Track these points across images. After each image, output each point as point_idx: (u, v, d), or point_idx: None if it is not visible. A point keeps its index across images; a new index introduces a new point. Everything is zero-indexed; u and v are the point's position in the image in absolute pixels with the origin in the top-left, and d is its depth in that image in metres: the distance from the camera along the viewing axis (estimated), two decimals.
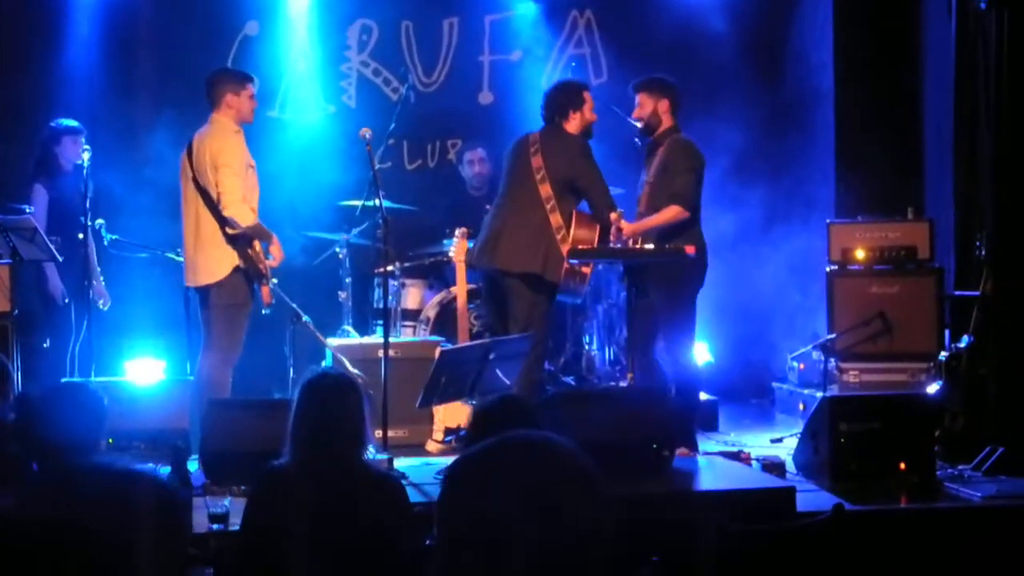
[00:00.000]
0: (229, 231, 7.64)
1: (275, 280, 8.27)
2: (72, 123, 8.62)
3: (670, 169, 7.63)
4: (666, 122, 7.82)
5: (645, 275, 7.60)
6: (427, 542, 1.96)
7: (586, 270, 7.78)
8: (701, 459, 7.02)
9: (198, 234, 7.73)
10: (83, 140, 8.42)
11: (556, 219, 7.75)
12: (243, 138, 7.84)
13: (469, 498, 1.99)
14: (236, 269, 7.68)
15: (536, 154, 7.86)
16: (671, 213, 7.55)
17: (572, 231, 7.75)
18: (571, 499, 1.97)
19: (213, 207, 7.65)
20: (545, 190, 7.78)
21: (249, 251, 7.70)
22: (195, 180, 7.71)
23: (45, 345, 8.56)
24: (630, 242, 7.59)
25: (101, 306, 8.66)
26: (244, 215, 7.61)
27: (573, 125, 7.92)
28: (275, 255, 7.86)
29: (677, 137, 7.78)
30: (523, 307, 7.80)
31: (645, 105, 7.83)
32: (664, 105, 7.80)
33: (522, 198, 7.87)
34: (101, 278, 8.77)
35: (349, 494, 4.09)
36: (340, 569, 3.93)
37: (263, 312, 7.87)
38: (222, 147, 7.68)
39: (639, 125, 7.86)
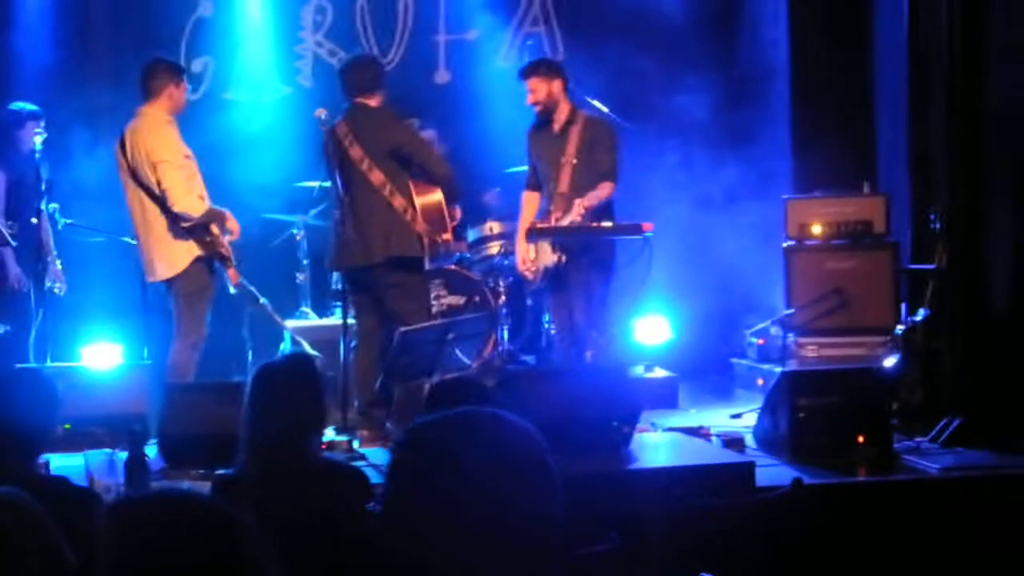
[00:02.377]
0: (183, 224, 7.56)
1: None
2: (34, 108, 8.53)
3: (597, 148, 7.72)
4: (564, 101, 7.90)
5: (581, 251, 7.64)
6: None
7: (446, 237, 7.62)
8: (661, 435, 7.04)
9: (149, 229, 7.63)
10: (42, 126, 8.35)
11: (399, 201, 7.49)
12: (176, 127, 7.73)
13: (419, 470, 1.99)
14: (197, 259, 7.60)
15: (352, 144, 7.54)
16: (608, 189, 7.70)
17: (418, 205, 7.54)
18: (518, 476, 1.97)
19: (160, 202, 7.53)
20: (376, 177, 7.48)
21: (207, 238, 7.60)
22: (133, 176, 7.60)
23: (1, 331, 8.49)
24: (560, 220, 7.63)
25: (57, 291, 8.59)
26: (194, 206, 7.51)
27: (375, 102, 7.73)
28: (232, 229, 7.74)
29: (590, 116, 7.91)
30: (398, 295, 7.56)
31: (538, 90, 7.89)
32: (557, 86, 7.89)
33: (359, 192, 7.52)
34: (59, 262, 8.70)
35: (305, 496, 3.99)
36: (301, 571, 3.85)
37: (231, 292, 7.80)
38: (155, 143, 7.55)
39: (537, 109, 7.91)
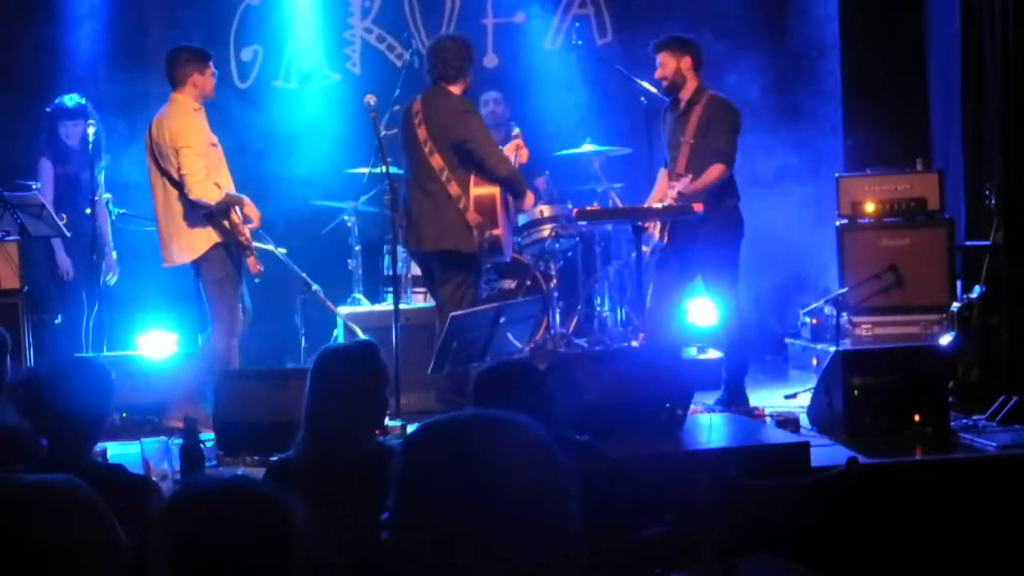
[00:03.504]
0: (202, 211, 7.49)
1: (284, 250, 8.28)
2: (75, 101, 8.57)
3: (713, 128, 7.61)
4: (691, 80, 7.74)
5: (690, 232, 7.56)
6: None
7: (496, 232, 7.51)
8: (715, 416, 7.01)
9: (170, 214, 7.57)
10: (85, 120, 8.39)
11: (453, 188, 7.41)
12: (204, 115, 7.68)
13: (425, 471, 1.96)
14: (215, 246, 7.54)
15: (420, 125, 7.49)
16: (717, 172, 7.55)
17: (472, 195, 7.45)
18: (525, 486, 1.92)
19: (181, 187, 7.48)
20: (436, 161, 7.41)
21: (226, 224, 7.52)
22: (157, 160, 7.57)
23: (57, 321, 8.58)
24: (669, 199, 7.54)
25: (109, 280, 8.67)
26: (210, 193, 7.43)
27: (459, 87, 7.59)
28: (252, 215, 7.68)
29: (713, 96, 7.75)
30: (448, 286, 7.53)
31: (667, 64, 7.75)
32: (687, 63, 7.74)
33: (420, 173, 7.52)
34: (114, 253, 8.76)
35: (359, 481, 3.98)
36: (356, 557, 3.83)
37: (255, 281, 7.79)
38: (181, 128, 7.50)
39: (664, 84, 7.79)
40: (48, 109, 8.66)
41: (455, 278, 7.51)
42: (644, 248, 7.93)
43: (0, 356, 4.99)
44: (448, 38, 7.97)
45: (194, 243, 7.55)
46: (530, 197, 7.92)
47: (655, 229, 7.72)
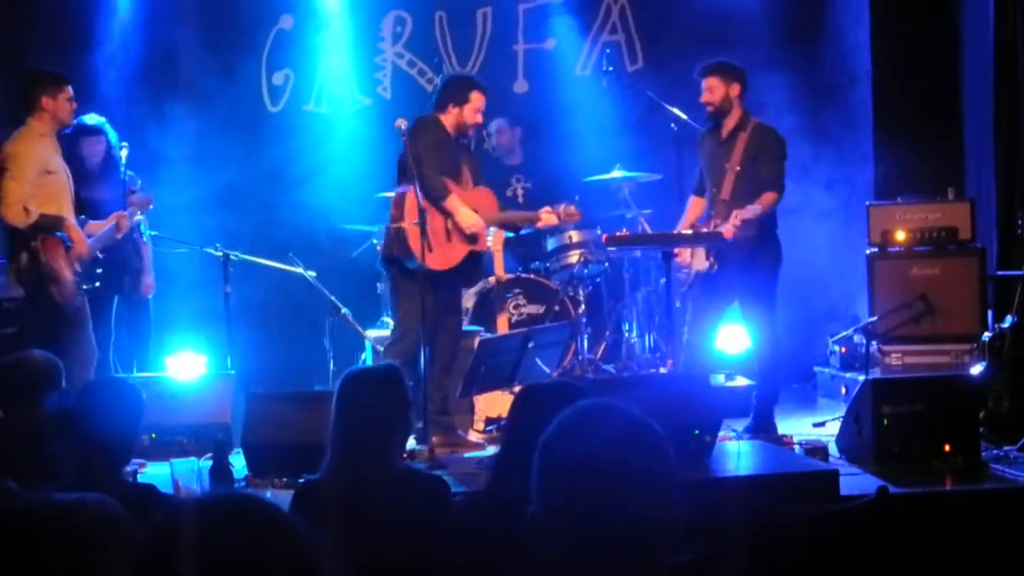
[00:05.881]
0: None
1: (313, 273, 8.30)
2: (88, 122, 8.52)
3: (762, 157, 7.59)
4: (737, 107, 7.71)
5: (734, 259, 7.54)
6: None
7: (402, 226, 7.35)
8: (743, 444, 6.98)
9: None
10: (106, 139, 8.33)
11: (398, 191, 7.52)
12: (52, 142, 7.52)
13: (565, 463, 2.09)
14: (33, 272, 7.33)
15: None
16: (772, 199, 7.54)
17: (396, 191, 7.55)
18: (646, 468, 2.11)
19: None
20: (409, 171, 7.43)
21: (34, 244, 7.29)
22: None
23: None
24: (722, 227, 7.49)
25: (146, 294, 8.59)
26: (18, 218, 7.22)
27: (449, 119, 7.61)
28: (74, 238, 7.43)
29: (759, 124, 7.72)
30: (398, 299, 7.61)
31: (716, 90, 7.69)
32: (735, 90, 7.70)
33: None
34: (152, 273, 8.68)
35: (387, 503, 3.98)
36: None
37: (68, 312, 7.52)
38: (13, 151, 7.32)
39: (709, 109, 7.74)
40: (67, 131, 8.65)
41: (403, 290, 7.50)
42: (681, 275, 7.91)
43: (54, 382, 5.01)
44: (449, 73, 8.03)
45: (17, 268, 7.38)
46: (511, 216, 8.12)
47: (691, 257, 7.68)
